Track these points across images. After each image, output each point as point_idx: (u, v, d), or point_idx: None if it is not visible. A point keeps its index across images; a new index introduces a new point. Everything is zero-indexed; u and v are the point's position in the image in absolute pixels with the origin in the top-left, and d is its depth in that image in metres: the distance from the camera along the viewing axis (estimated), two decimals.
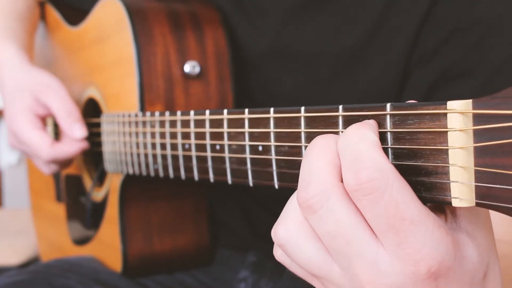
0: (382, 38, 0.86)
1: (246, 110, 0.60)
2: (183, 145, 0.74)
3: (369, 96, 0.88)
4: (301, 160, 0.49)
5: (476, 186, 0.39)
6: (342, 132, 0.48)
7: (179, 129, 0.74)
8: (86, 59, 1.12)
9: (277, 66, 0.94)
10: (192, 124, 0.71)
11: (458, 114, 0.39)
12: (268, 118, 0.56)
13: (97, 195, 1.10)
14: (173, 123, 0.76)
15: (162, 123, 0.79)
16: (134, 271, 1.01)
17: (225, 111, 0.64)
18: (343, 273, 0.44)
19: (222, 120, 0.64)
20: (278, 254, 0.49)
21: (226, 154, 0.64)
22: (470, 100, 0.39)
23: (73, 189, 1.22)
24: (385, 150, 0.45)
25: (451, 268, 0.41)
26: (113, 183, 1.01)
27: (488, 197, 0.38)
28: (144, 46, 0.91)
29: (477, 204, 0.39)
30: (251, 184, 0.61)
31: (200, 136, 0.69)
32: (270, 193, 0.99)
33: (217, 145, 0.66)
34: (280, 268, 1.02)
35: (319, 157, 0.44)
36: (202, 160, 0.70)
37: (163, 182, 0.92)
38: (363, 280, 0.42)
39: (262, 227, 1.05)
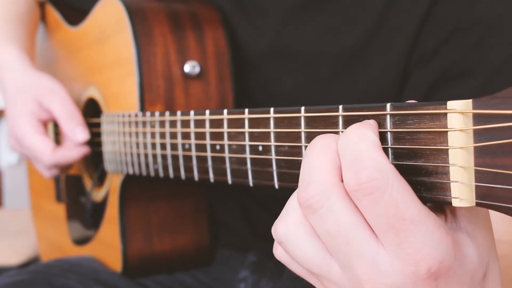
0: (382, 38, 0.86)
1: (246, 110, 0.60)
2: (183, 145, 0.74)
3: (369, 96, 0.88)
4: (301, 160, 0.49)
5: (476, 186, 0.39)
6: (342, 132, 0.48)
7: (179, 129, 0.74)
8: (86, 59, 1.12)
9: (277, 66, 0.94)
10: (192, 124, 0.71)
11: (458, 114, 0.39)
12: (268, 118, 0.56)
13: (97, 195, 1.10)
14: (173, 123, 0.76)
15: (162, 123, 0.79)
16: (134, 271, 1.01)
17: (225, 111, 0.64)
18: (343, 272, 0.44)
19: (222, 120, 0.64)
20: (278, 252, 0.49)
21: (226, 154, 0.64)
22: (470, 100, 0.39)
23: (73, 189, 1.22)
24: (385, 150, 0.45)
25: (451, 268, 0.41)
26: (113, 183, 1.01)
27: (488, 197, 0.38)
28: (144, 46, 0.91)
29: (477, 204, 0.39)
30: (251, 184, 0.61)
31: (200, 136, 0.69)
32: (270, 193, 0.99)
33: (217, 145, 0.66)
34: (280, 268, 1.02)
35: (319, 157, 0.44)
36: (202, 160, 0.70)
37: (163, 182, 0.92)
38: (363, 279, 0.42)
39: (262, 227, 1.05)
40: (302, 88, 0.93)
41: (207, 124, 0.67)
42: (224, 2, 0.98)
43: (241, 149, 0.61)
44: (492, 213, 0.45)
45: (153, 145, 0.81)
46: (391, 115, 0.44)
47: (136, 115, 0.87)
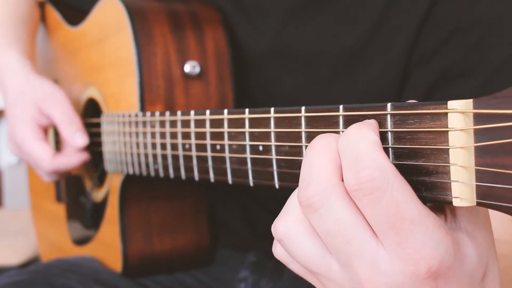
0: (382, 38, 0.86)
1: (247, 110, 0.60)
2: (183, 145, 0.74)
3: (369, 96, 0.88)
4: (301, 160, 0.50)
5: (477, 185, 0.39)
6: (342, 132, 0.48)
7: (179, 129, 0.74)
8: (86, 59, 1.12)
9: (277, 66, 0.94)
10: (192, 124, 0.71)
11: (459, 113, 0.39)
12: (269, 118, 0.56)
13: (97, 195, 1.10)
14: (173, 123, 0.76)
15: (162, 123, 0.79)
16: (134, 271, 1.01)
17: (226, 111, 0.64)
18: (343, 272, 0.44)
19: (222, 120, 0.64)
20: (277, 250, 0.49)
21: (227, 154, 0.64)
22: (471, 100, 0.39)
23: (73, 189, 1.22)
24: (386, 149, 0.45)
25: (450, 268, 0.41)
26: (113, 183, 1.01)
27: (489, 197, 0.38)
28: (144, 46, 0.91)
29: (478, 204, 0.39)
30: (251, 184, 0.61)
31: (200, 136, 0.69)
32: (270, 193, 0.99)
33: (218, 145, 0.66)
34: (280, 268, 1.02)
35: (319, 156, 0.44)
36: (202, 160, 0.70)
37: (163, 182, 0.92)
38: (363, 279, 0.42)
39: (262, 227, 1.05)
40: (302, 88, 0.93)
41: (208, 124, 0.67)
42: (224, 2, 0.98)
43: (242, 149, 0.61)
44: (492, 213, 0.45)
45: (153, 145, 0.81)
46: (391, 114, 0.44)
47: (136, 115, 0.87)
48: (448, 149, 0.40)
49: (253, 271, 1.04)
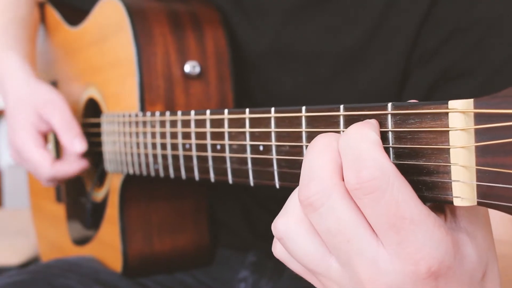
0: (382, 38, 0.86)
1: (247, 110, 0.60)
2: (183, 145, 0.74)
3: (369, 96, 0.88)
4: (302, 160, 0.50)
5: (477, 185, 0.39)
6: (343, 131, 0.48)
7: (179, 129, 0.74)
8: (86, 59, 1.12)
9: (277, 66, 0.94)
10: (192, 124, 0.71)
11: (460, 113, 0.40)
12: (269, 118, 0.56)
13: (97, 195, 1.10)
14: (173, 123, 0.76)
15: (162, 123, 0.79)
16: (134, 271, 1.01)
17: (226, 111, 0.64)
18: (343, 271, 0.44)
19: (223, 120, 0.64)
20: (277, 249, 0.49)
21: (227, 154, 0.64)
22: (472, 100, 0.39)
23: (73, 189, 1.22)
24: (387, 149, 0.45)
25: (450, 268, 0.41)
26: (113, 183, 1.01)
27: (490, 196, 0.38)
28: (144, 46, 0.91)
29: (479, 203, 0.39)
30: (252, 184, 0.61)
31: (200, 136, 0.69)
32: (270, 193, 0.99)
33: (218, 145, 0.66)
34: (280, 268, 1.02)
35: (320, 156, 0.44)
36: (202, 160, 0.70)
37: (163, 182, 0.92)
38: (363, 278, 0.43)
39: (262, 227, 1.05)
40: (302, 88, 0.93)
41: (208, 124, 0.67)
42: (224, 2, 0.98)
43: (242, 149, 0.61)
44: (492, 213, 0.45)
45: (154, 145, 0.81)
46: (392, 114, 0.44)
47: (137, 115, 0.87)
48: (449, 148, 0.40)
49: (253, 271, 1.04)
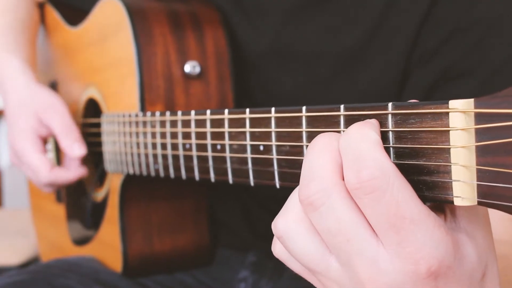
0: (382, 38, 0.86)
1: (247, 110, 0.60)
2: (184, 145, 0.74)
3: (369, 96, 0.88)
4: (302, 159, 0.50)
5: (478, 185, 0.39)
6: (343, 131, 0.48)
7: (179, 129, 0.74)
8: (86, 59, 1.12)
9: (277, 66, 0.94)
10: (193, 124, 0.71)
11: (460, 113, 0.40)
12: (269, 118, 0.56)
13: (97, 195, 1.10)
14: (173, 123, 0.76)
15: (162, 123, 0.79)
16: (134, 271, 1.01)
17: (226, 111, 0.64)
18: (343, 270, 0.44)
19: (223, 120, 0.64)
20: (277, 248, 0.49)
21: (227, 154, 0.64)
22: (472, 99, 0.39)
23: (73, 189, 1.22)
24: (387, 149, 0.45)
25: (450, 268, 0.41)
26: (113, 183, 1.01)
27: (490, 196, 0.38)
28: (144, 46, 0.91)
29: (479, 203, 0.39)
30: (252, 183, 0.61)
31: (201, 136, 0.69)
32: (270, 193, 0.99)
33: (218, 145, 0.66)
34: (280, 268, 1.02)
35: (320, 155, 0.44)
36: (203, 160, 0.70)
37: (163, 182, 0.92)
38: (363, 278, 0.43)
39: (262, 227, 1.05)
40: (302, 88, 0.93)
41: (208, 124, 0.67)
42: (224, 2, 0.98)
43: (242, 148, 0.61)
44: (491, 213, 0.45)
45: (154, 145, 0.81)
46: (392, 114, 0.44)
47: (137, 115, 0.87)
48: (449, 148, 0.40)
49: (253, 271, 1.04)
